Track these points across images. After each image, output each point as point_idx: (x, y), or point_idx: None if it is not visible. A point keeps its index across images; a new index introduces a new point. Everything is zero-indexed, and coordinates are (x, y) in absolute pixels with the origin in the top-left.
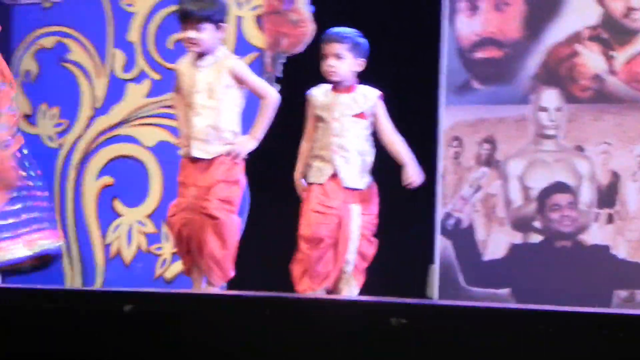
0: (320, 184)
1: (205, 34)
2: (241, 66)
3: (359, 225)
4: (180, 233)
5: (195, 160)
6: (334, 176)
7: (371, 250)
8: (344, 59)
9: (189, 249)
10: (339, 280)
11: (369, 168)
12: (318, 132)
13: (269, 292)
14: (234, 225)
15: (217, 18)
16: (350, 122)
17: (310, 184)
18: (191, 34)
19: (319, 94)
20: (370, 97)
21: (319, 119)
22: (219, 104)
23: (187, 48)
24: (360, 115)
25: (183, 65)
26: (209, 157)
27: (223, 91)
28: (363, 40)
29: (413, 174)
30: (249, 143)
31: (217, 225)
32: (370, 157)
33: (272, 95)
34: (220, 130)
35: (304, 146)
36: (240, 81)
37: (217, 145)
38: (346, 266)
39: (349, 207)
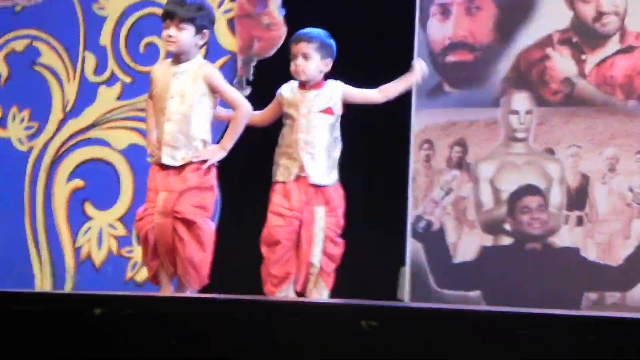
0: (284, 183)
1: (185, 34)
2: (217, 75)
3: (322, 228)
4: (147, 237)
5: (165, 166)
6: (300, 175)
7: (337, 251)
8: (311, 59)
9: (155, 254)
10: (306, 283)
11: (336, 165)
12: (285, 130)
13: (240, 295)
14: (210, 229)
15: (199, 23)
16: (317, 118)
17: (276, 182)
18: (171, 31)
19: (286, 91)
20: (336, 91)
21: (286, 116)
22: (191, 111)
23: (165, 47)
24: (327, 111)
25: (158, 70)
26: (177, 164)
27: (196, 99)
28: (331, 41)
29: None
30: (218, 153)
31: (194, 229)
32: (337, 153)
33: (244, 107)
34: (191, 138)
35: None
36: (214, 90)
37: (186, 153)
38: (312, 268)
39: (313, 210)
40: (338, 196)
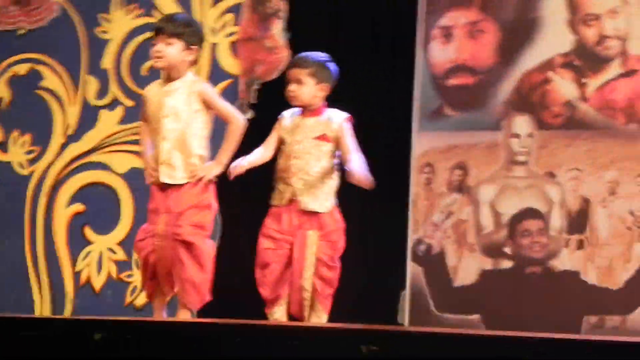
0: (277, 207)
1: (173, 49)
2: (210, 90)
3: (314, 252)
4: (147, 259)
5: (164, 186)
6: (293, 199)
7: (333, 275)
8: (304, 84)
9: (154, 275)
10: (300, 306)
11: (332, 192)
12: (281, 155)
13: (241, 318)
14: (209, 249)
15: (187, 38)
16: (311, 144)
17: (271, 206)
18: (159, 46)
19: (287, 116)
20: (335, 120)
21: (282, 141)
22: (187, 129)
23: (154, 63)
24: (322, 138)
25: (151, 90)
26: (177, 182)
27: (191, 115)
28: (329, 65)
29: (359, 177)
30: (215, 168)
31: (193, 250)
32: (333, 181)
33: (239, 121)
34: (188, 155)
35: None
36: (208, 105)
37: (184, 171)
38: (304, 292)
39: (305, 234)
40: (334, 221)
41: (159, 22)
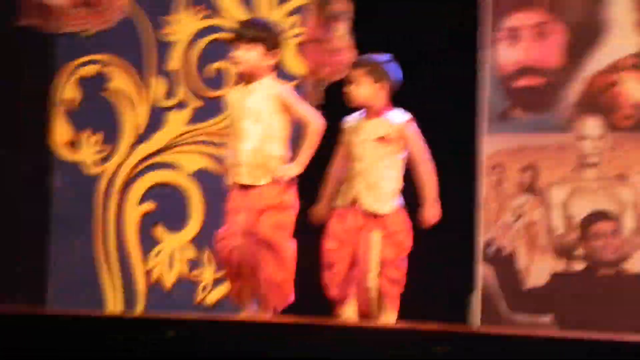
0: (342, 208)
1: (252, 54)
2: (288, 93)
3: (378, 253)
4: (230, 258)
5: (244, 187)
6: (355, 200)
7: (399, 275)
8: (361, 85)
9: (239, 273)
10: (370, 306)
11: (395, 193)
12: (345, 157)
13: (315, 316)
14: (290, 249)
15: (267, 42)
16: (371, 146)
17: (334, 207)
18: (239, 52)
19: (351, 119)
20: (396, 120)
21: (347, 143)
22: (266, 130)
23: (235, 68)
24: (382, 139)
25: (231, 94)
26: (256, 183)
27: (270, 117)
28: (387, 64)
29: (428, 215)
30: (293, 169)
31: (274, 250)
32: (395, 182)
33: (317, 123)
34: (268, 157)
35: (330, 171)
36: (286, 108)
37: (264, 171)
38: (370, 293)
39: (368, 235)
40: (398, 222)
41: (237, 27)
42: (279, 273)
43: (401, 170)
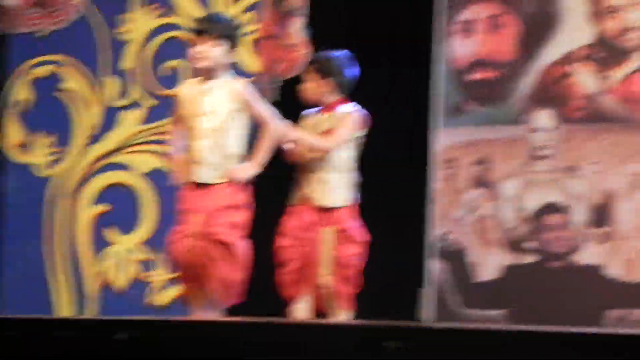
0: (294, 205)
1: (218, 50)
2: (249, 90)
3: (330, 249)
4: (184, 260)
5: (199, 185)
6: (306, 196)
7: (352, 273)
8: (309, 81)
9: (193, 275)
10: (322, 303)
11: (347, 187)
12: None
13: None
14: (246, 249)
15: (233, 40)
16: None
17: (289, 204)
18: (204, 47)
19: (307, 114)
20: (342, 112)
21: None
22: (224, 128)
23: (195, 63)
24: (328, 132)
25: (185, 89)
26: (213, 182)
27: (229, 115)
28: (332, 60)
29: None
30: (250, 169)
31: (230, 251)
32: (347, 175)
33: (275, 123)
34: (225, 155)
35: None
36: (246, 106)
37: (221, 170)
38: (323, 290)
39: (320, 231)
40: (351, 217)
41: (202, 22)
42: (233, 273)
43: (352, 164)
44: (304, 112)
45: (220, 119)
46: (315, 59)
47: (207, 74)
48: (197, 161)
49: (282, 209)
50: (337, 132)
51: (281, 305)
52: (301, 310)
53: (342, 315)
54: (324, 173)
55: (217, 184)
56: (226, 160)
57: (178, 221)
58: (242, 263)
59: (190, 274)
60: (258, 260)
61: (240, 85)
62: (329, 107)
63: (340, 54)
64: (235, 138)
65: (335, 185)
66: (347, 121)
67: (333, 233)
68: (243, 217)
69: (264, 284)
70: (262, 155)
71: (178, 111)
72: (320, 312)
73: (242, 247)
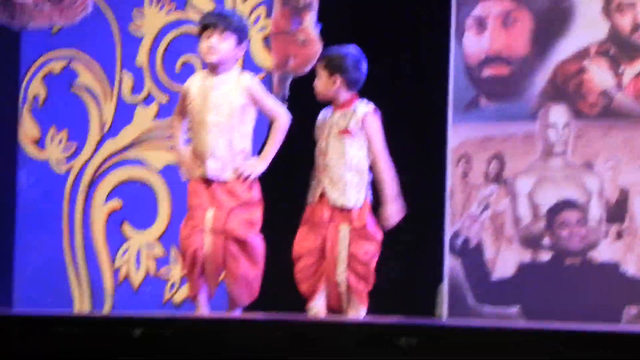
0: (311, 204)
1: (227, 44)
2: (256, 85)
3: (346, 246)
4: (195, 254)
5: (208, 181)
6: (323, 195)
7: (366, 270)
8: (320, 77)
9: (203, 271)
10: (338, 300)
11: (362, 186)
12: (316, 152)
13: (280, 312)
14: (261, 245)
15: (241, 34)
16: (335, 139)
17: (307, 203)
18: (213, 41)
19: (322, 114)
20: (359, 112)
21: (316, 139)
22: (233, 123)
23: (205, 58)
24: (344, 132)
25: (193, 83)
26: (222, 177)
27: (237, 109)
28: (342, 56)
29: (390, 215)
30: (259, 165)
31: (246, 247)
32: (362, 175)
33: (284, 117)
34: (233, 150)
35: None
36: (254, 100)
37: (229, 165)
38: (339, 287)
39: (337, 228)
40: (366, 216)
41: (210, 16)
42: (250, 271)
43: (367, 162)
44: (321, 114)
45: (228, 114)
46: (324, 55)
47: (215, 68)
48: (208, 155)
49: (297, 206)
50: (373, 142)
51: (296, 301)
52: (317, 307)
53: (357, 311)
54: (338, 172)
55: (228, 181)
56: (234, 155)
57: (190, 215)
58: (257, 260)
59: (201, 269)
60: (273, 257)
61: (250, 81)
62: (342, 105)
63: (350, 50)
64: (243, 133)
65: (348, 185)
66: (373, 126)
67: (349, 231)
68: (256, 213)
69: (279, 281)
70: (271, 150)
71: (184, 104)
72: (334, 310)
73: (258, 243)
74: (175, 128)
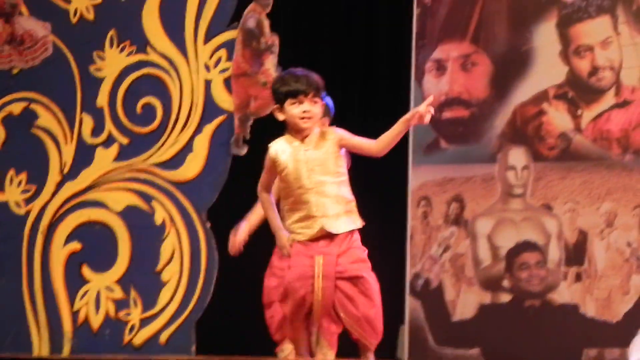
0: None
1: (317, 107)
2: (344, 132)
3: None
4: (304, 299)
5: (322, 237)
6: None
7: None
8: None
9: (308, 315)
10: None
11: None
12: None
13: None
14: (376, 282)
15: (322, 95)
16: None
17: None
18: (307, 106)
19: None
20: (329, 136)
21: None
22: (336, 177)
23: (301, 124)
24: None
25: (279, 150)
26: (341, 231)
27: (336, 163)
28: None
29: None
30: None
31: (363, 285)
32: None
33: (377, 147)
34: (344, 201)
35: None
36: (347, 147)
37: (345, 217)
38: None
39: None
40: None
41: (299, 82)
42: (370, 309)
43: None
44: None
45: (330, 170)
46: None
47: (306, 130)
48: (321, 215)
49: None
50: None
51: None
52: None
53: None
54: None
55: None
56: (346, 206)
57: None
58: (374, 297)
59: (307, 312)
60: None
61: (336, 132)
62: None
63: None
64: (344, 184)
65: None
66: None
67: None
68: (364, 252)
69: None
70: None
71: (273, 173)
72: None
73: (373, 280)
74: (265, 202)
